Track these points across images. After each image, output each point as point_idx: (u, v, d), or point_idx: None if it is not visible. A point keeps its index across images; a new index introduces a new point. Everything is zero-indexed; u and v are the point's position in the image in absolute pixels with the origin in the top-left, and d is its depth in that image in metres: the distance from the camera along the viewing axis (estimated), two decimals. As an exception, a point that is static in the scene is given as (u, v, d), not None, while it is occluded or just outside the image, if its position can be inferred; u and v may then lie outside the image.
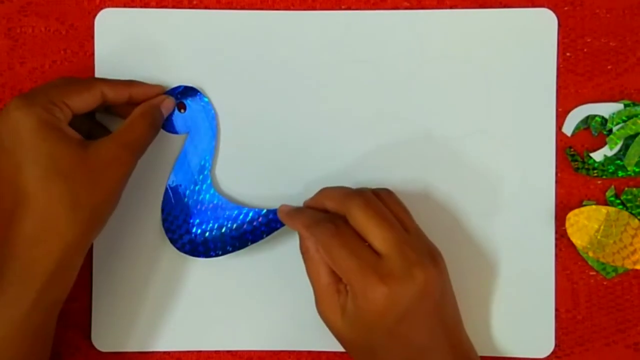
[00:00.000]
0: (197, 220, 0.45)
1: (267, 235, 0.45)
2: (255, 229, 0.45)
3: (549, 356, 0.45)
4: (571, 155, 0.45)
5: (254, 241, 0.45)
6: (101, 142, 0.40)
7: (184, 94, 0.46)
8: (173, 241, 0.45)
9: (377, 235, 0.38)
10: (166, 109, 0.45)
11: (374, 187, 0.44)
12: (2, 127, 0.38)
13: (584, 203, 0.45)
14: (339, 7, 0.46)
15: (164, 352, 0.46)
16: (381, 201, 0.40)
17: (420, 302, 0.37)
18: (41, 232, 0.38)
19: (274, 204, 0.45)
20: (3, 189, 0.38)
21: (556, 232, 0.45)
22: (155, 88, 0.45)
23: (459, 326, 0.42)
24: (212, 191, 0.46)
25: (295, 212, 0.42)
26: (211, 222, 0.45)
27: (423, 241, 0.40)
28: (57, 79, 0.41)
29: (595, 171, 0.45)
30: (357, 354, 0.40)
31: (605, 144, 0.45)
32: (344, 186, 0.42)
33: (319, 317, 0.41)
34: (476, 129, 0.46)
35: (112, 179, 0.40)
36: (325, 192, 0.42)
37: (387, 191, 0.41)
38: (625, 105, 0.45)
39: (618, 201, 0.45)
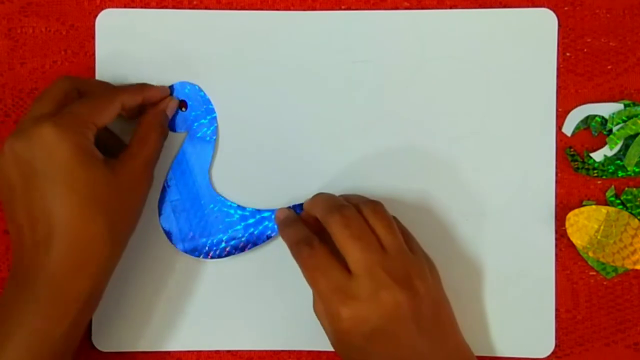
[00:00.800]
0: (195, 220, 0.45)
1: (265, 236, 0.45)
2: (253, 228, 0.45)
3: (548, 356, 0.45)
4: (571, 155, 0.45)
5: (251, 241, 0.45)
6: (124, 162, 0.41)
7: (184, 92, 0.46)
8: (172, 240, 0.45)
9: (350, 255, 0.39)
10: (171, 110, 0.45)
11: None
12: (37, 152, 0.38)
13: (584, 203, 0.45)
14: (339, 8, 0.46)
15: (164, 352, 0.46)
16: (365, 217, 0.40)
17: (391, 323, 0.38)
18: (77, 257, 0.38)
19: (272, 204, 0.45)
20: (37, 213, 0.38)
21: (556, 232, 0.45)
22: (164, 90, 0.45)
23: (454, 333, 0.42)
24: (210, 190, 0.46)
25: (284, 226, 0.43)
26: (209, 221, 0.45)
27: (402, 261, 0.39)
28: (83, 100, 0.41)
29: (595, 171, 0.45)
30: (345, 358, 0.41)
31: (605, 144, 0.45)
32: (333, 196, 0.43)
33: (318, 317, 0.41)
34: (476, 128, 0.46)
35: (138, 198, 0.41)
36: (316, 199, 0.43)
37: (374, 205, 0.41)
38: (625, 105, 0.45)
39: (618, 201, 0.45)
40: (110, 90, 0.43)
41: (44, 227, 0.38)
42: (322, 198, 0.42)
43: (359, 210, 0.40)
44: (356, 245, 0.38)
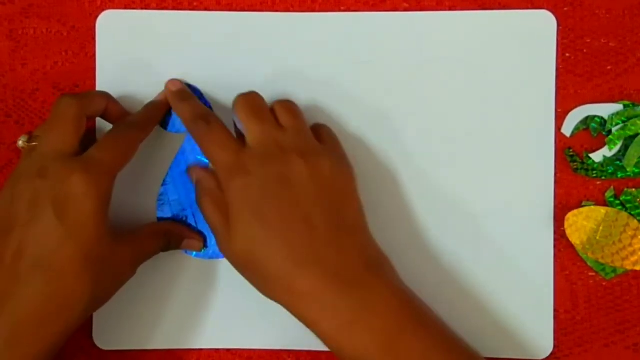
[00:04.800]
0: (194, 219, 0.46)
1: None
2: None
3: (547, 357, 0.45)
4: (570, 156, 0.45)
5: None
6: (122, 246, 0.40)
7: None
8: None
9: (247, 129, 0.40)
10: (189, 245, 0.45)
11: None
12: (59, 194, 0.37)
13: (583, 204, 0.45)
14: (338, 9, 0.46)
15: (165, 351, 0.46)
16: (272, 106, 0.42)
17: (279, 190, 0.38)
18: (52, 301, 0.37)
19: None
20: (30, 243, 0.37)
21: (555, 233, 0.45)
22: (165, 100, 0.45)
23: (360, 230, 0.41)
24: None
25: (178, 100, 0.44)
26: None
27: (298, 138, 0.40)
28: (106, 144, 0.41)
29: (594, 172, 0.45)
30: (247, 272, 0.41)
31: (604, 144, 0.45)
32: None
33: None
34: (475, 129, 0.46)
35: (121, 281, 0.41)
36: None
37: (285, 100, 0.43)
38: (625, 106, 0.45)
39: (617, 202, 0.45)
40: (129, 131, 0.42)
41: (32, 258, 0.37)
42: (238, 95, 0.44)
43: (272, 105, 0.42)
44: (252, 120, 0.40)
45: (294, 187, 0.39)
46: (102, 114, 0.44)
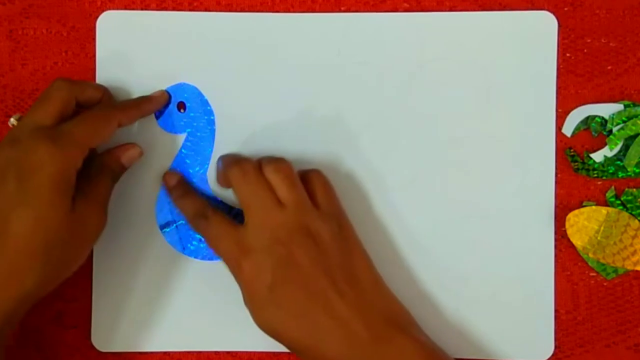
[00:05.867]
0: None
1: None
2: None
3: (549, 358, 0.45)
4: (571, 156, 0.45)
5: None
6: (81, 206, 0.40)
7: (183, 93, 0.46)
8: (172, 241, 0.45)
9: (246, 209, 0.40)
10: (128, 160, 0.45)
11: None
12: (24, 162, 0.38)
13: (584, 204, 0.45)
14: (338, 9, 0.46)
15: (164, 353, 0.46)
16: (266, 174, 0.41)
17: (289, 271, 0.39)
18: (4, 275, 0.38)
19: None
20: None
21: (556, 233, 0.45)
22: (160, 98, 0.45)
23: (375, 285, 0.42)
24: (208, 192, 0.46)
25: (177, 196, 0.44)
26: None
27: (299, 214, 0.40)
28: (81, 120, 0.41)
29: (595, 172, 0.45)
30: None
31: (605, 144, 0.45)
32: (236, 154, 0.44)
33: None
34: (476, 129, 0.46)
35: (89, 240, 0.41)
36: (221, 158, 0.44)
37: (276, 162, 0.41)
38: (625, 106, 0.45)
39: (618, 202, 0.45)
40: (108, 109, 0.43)
41: None
42: (225, 156, 0.44)
43: (261, 167, 0.41)
44: (252, 200, 0.40)
45: (302, 266, 0.39)
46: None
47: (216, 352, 0.46)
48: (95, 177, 0.42)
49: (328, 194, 0.43)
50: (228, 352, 0.46)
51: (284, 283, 0.39)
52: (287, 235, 0.39)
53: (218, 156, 0.46)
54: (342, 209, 0.43)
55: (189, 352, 0.46)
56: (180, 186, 0.45)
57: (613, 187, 0.45)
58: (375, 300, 0.41)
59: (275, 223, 0.40)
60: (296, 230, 0.40)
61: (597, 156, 0.45)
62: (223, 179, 0.43)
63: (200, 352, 0.46)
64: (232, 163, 0.42)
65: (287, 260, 0.39)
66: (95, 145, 0.41)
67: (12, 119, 0.42)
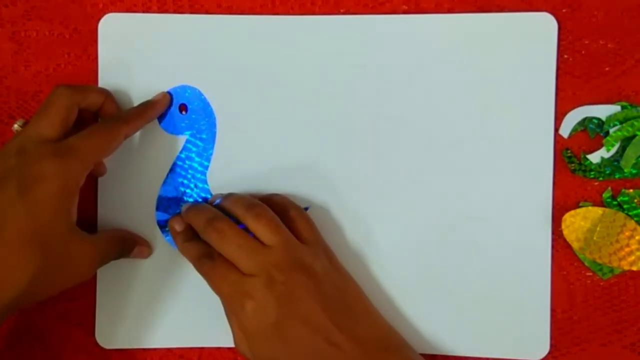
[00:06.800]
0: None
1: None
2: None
3: (545, 357, 0.45)
4: (568, 157, 0.46)
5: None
6: (84, 243, 0.41)
7: (185, 95, 0.46)
8: (170, 240, 0.46)
9: (237, 262, 0.41)
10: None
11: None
12: (26, 173, 0.39)
13: (580, 204, 0.45)
14: (337, 12, 0.47)
15: (167, 349, 0.47)
16: (245, 223, 0.42)
17: (292, 308, 0.40)
18: None
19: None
20: None
21: (553, 233, 0.46)
22: (162, 101, 0.46)
23: (367, 314, 0.43)
24: (209, 193, 0.46)
25: (182, 241, 0.44)
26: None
27: (288, 252, 0.41)
28: (88, 135, 0.41)
29: (592, 173, 0.45)
30: None
31: (602, 145, 0.45)
32: (207, 207, 0.44)
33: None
34: (474, 131, 0.46)
35: (75, 278, 0.42)
36: (190, 213, 0.44)
37: (255, 210, 0.42)
38: (623, 107, 0.45)
39: (614, 202, 0.45)
40: (114, 122, 0.43)
41: None
42: (196, 210, 0.44)
43: (240, 218, 0.42)
44: (237, 253, 0.41)
45: (301, 301, 0.40)
46: (99, 110, 0.44)
47: (217, 348, 0.47)
48: (109, 244, 0.43)
49: (312, 229, 0.44)
50: (229, 348, 0.47)
51: (288, 319, 0.40)
52: (284, 273, 0.40)
53: (219, 158, 0.46)
54: (325, 242, 0.45)
55: (191, 349, 0.47)
56: (187, 231, 0.45)
57: (609, 187, 0.45)
58: (368, 327, 0.42)
59: (267, 264, 0.40)
60: (290, 267, 0.41)
61: (594, 157, 0.45)
62: (203, 234, 0.43)
63: (202, 348, 0.47)
64: (205, 225, 0.42)
65: (288, 298, 0.40)
66: (100, 160, 0.41)
67: (15, 125, 0.43)
